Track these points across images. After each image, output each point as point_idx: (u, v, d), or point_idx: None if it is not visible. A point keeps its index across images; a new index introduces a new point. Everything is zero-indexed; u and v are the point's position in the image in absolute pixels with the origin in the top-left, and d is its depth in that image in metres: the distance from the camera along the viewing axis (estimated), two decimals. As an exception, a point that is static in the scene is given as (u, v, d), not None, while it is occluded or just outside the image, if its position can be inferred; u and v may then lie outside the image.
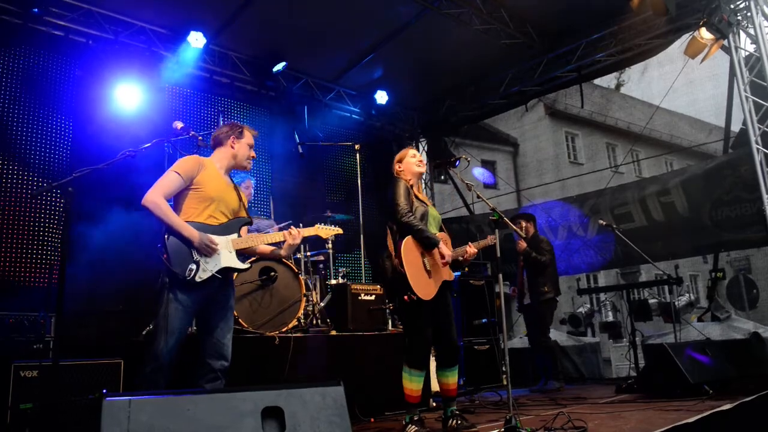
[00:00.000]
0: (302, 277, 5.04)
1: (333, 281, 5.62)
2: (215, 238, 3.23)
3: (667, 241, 7.63)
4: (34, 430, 3.74)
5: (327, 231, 3.73)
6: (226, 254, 3.26)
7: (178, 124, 3.92)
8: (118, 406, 2.10)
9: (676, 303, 8.42)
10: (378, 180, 8.37)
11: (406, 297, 3.67)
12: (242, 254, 3.40)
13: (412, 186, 4.01)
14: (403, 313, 3.84)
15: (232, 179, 3.56)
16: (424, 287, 3.74)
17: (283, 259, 4.86)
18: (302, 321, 4.93)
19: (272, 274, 4.71)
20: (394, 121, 9.33)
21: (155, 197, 3.14)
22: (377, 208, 8.79)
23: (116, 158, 3.50)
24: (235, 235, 3.36)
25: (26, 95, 5.93)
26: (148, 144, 3.70)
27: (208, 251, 3.17)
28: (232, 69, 7.43)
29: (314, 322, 5.08)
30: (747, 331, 6.83)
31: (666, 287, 8.94)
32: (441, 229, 4.09)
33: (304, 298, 4.92)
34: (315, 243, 6.00)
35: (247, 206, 3.61)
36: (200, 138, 3.93)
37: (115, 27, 6.44)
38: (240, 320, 4.44)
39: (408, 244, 3.77)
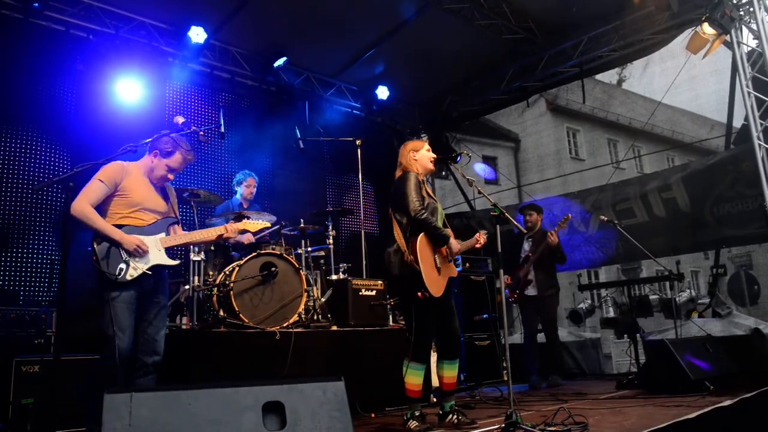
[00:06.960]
0: (303, 273, 5.03)
1: (334, 276, 5.62)
2: (144, 238, 3.39)
3: (668, 236, 7.63)
4: (35, 425, 3.76)
5: (254, 225, 3.95)
6: (155, 252, 3.43)
7: (179, 119, 3.90)
8: (120, 401, 2.10)
9: (677, 299, 8.41)
10: (379, 176, 8.35)
11: (420, 294, 3.67)
12: (172, 251, 3.57)
13: (423, 181, 4.00)
14: (411, 309, 3.79)
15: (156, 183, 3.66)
16: (435, 284, 3.76)
17: (284, 255, 4.89)
18: (303, 316, 4.93)
19: (273, 269, 4.72)
20: (396, 116, 9.31)
21: (81, 206, 3.28)
22: (378, 203, 8.78)
23: (117, 153, 3.50)
24: (163, 234, 3.52)
25: (27, 90, 5.91)
26: (149, 139, 3.69)
27: (138, 252, 3.33)
28: (233, 64, 7.41)
29: (315, 317, 5.08)
30: (748, 327, 6.82)
31: (667, 283, 8.92)
32: (445, 225, 4.08)
33: (305, 294, 4.92)
34: (316, 239, 6.00)
35: (176, 208, 3.75)
36: (201, 133, 3.91)
37: (116, 22, 6.43)
38: (241, 315, 4.45)
39: (422, 241, 3.77)
